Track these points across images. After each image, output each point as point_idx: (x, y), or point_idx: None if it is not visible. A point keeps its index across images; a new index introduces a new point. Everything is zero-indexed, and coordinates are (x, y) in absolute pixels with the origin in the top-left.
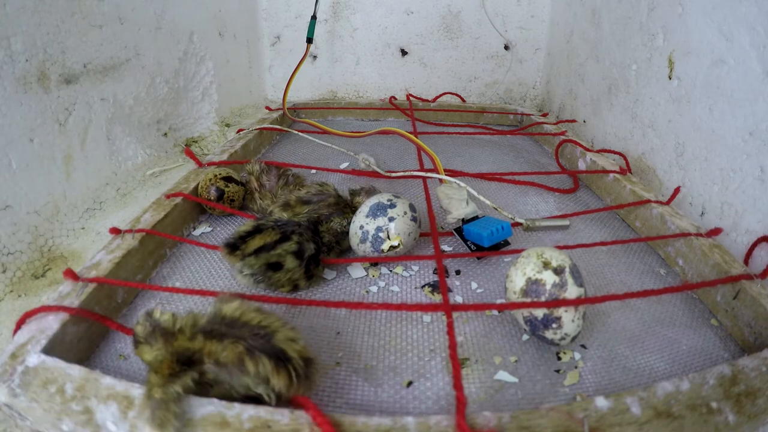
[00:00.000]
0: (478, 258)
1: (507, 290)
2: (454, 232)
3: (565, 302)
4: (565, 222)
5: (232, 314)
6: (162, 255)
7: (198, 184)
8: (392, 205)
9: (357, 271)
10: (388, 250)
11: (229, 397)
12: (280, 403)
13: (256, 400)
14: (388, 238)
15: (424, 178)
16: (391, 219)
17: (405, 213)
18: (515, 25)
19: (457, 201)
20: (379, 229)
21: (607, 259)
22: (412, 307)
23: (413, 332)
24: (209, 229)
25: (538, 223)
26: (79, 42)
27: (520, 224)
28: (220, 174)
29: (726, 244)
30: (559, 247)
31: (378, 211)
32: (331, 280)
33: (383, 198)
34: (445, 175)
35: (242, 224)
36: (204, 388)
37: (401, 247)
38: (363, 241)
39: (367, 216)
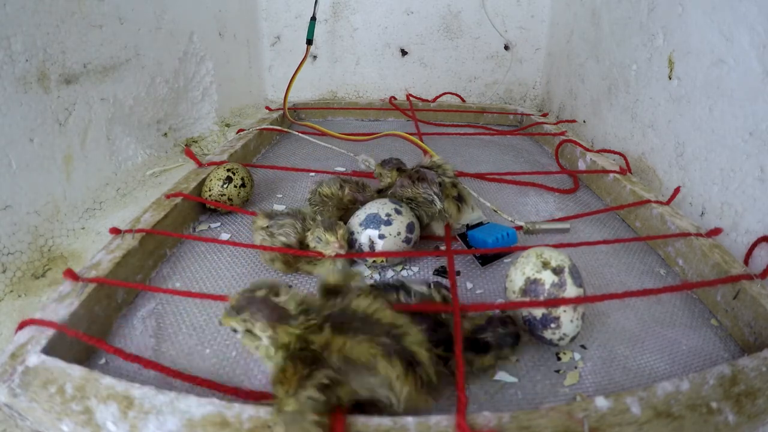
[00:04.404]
0: (482, 264)
1: (507, 290)
2: (458, 238)
3: (565, 301)
4: (566, 225)
5: (365, 309)
6: (162, 255)
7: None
8: (388, 222)
9: (359, 269)
10: (371, 264)
11: (336, 401)
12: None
13: (363, 407)
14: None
15: None
16: (381, 236)
17: (399, 233)
18: (515, 25)
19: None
20: (367, 240)
21: (607, 260)
22: (423, 307)
23: None
24: (217, 224)
25: (538, 226)
26: (79, 42)
27: (521, 227)
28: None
29: (726, 244)
30: (560, 246)
31: (371, 223)
32: None
33: (383, 210)
34: None
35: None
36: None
37: (386, 262)
38: (351, 245)
39: (360, 224)
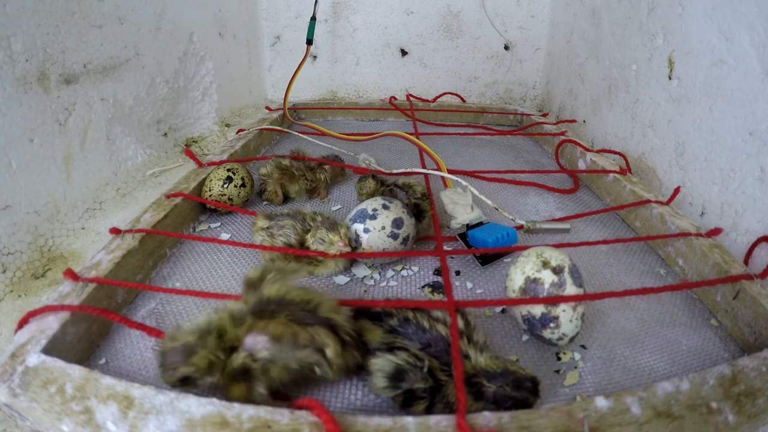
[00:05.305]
0: (482, 264)
1: (506, 289)
2: (458, 238)
3: (564, 298)
4: (566, 226)
5: (277, 294)
6: (162, 255)
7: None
8: (374, 216)
9: (360, 270)
10: (372, 265)
11: (276, 383)
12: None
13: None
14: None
15: (426, 176)
16: (365, 230)
17: (383, 228)
18: (515, 25)
19: (461, 206)
20: (354, 234)
21: (607, 260)
22: (418, 304)
23: None
24: (217, 224)
25: (539, 226)
26: (79, 42)
27: (521, 227)
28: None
29: (726, 244)
30: (560, 246)
31: (359, 217)
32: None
33: (370, 205)
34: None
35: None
36: (250, 379)
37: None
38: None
39: (350, 219)
